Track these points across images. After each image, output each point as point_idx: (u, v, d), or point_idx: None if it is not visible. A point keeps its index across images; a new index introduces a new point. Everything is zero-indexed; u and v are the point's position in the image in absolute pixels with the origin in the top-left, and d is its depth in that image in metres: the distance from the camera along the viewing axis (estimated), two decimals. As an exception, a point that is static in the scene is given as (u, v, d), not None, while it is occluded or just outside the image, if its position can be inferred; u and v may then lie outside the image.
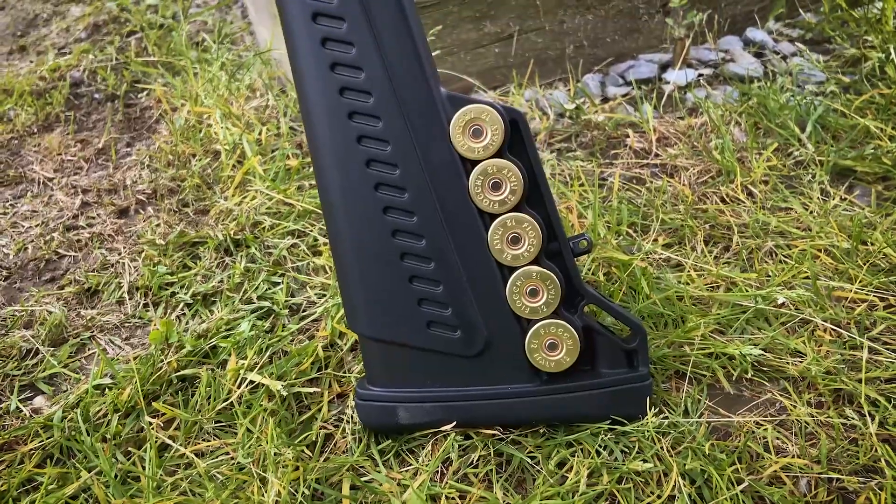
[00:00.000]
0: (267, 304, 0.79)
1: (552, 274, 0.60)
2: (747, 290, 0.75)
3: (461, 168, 0.60)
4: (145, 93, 1.42)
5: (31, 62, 2.00)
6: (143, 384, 0.69)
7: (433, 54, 1.15)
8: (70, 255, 0.97)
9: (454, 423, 0.62)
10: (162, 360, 0.72)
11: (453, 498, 0.58)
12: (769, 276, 0.77)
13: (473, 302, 0.61)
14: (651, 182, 0.94)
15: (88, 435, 0.66)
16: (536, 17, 1.21)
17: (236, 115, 1.14)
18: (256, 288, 0.82)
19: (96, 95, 1.55)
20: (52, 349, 0.79)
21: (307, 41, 0.58)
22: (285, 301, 0.79)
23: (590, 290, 0.63)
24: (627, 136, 1.03)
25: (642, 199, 0.91)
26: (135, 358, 0.74)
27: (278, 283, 0.82)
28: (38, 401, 0.73)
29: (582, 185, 0.93)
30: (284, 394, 0.65)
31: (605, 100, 1.18)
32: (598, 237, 0.82)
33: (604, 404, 0.63)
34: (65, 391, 0.74)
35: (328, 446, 0.64)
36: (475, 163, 0.60)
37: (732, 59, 1.23)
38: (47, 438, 0.67)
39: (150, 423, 0.65)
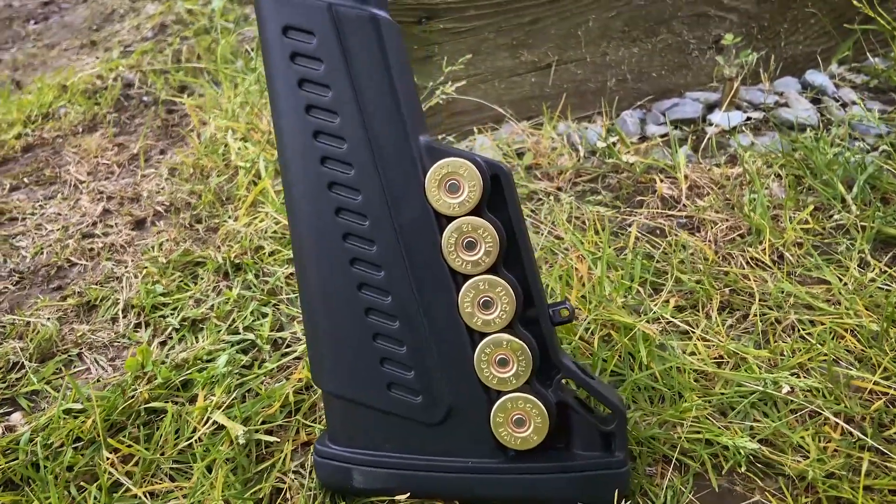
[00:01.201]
0: (251, 336, 0.77)
1: (524, 344, 0.56)
2: (756, 370, 0.68)
3: (435, 223, 0.56)
4: (187, 99, 1.43)
5: (97, 58, 2.06)
6: (110, 413, 0.68)
7: (463, 82, 1.11)
8: (81, 264, 0.97)
9: (408, 493, 0.58)
10: (135, 389, 0.71)
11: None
12: (783, 356, 0.70)
13: (438, 367, 0.57)
14: (673, 235, 0.88)
15: (50, 460, 0.65)
16: (577, 48, 1.16)
17: (262, 131, 1.13)
18: (245, 318, 0.80)
19: (145, 98, 1.57)
20: (37, 364, 0.79)
21: (284, 81, 0.56)
22: (269, 335, 0.77)
23: (568, 362, 0.58)
24: (657, 182, 0.97)
25: (660, 253, 0.85)
26: (103, 387, 0.73)
27: (267, 315, 0.80)
28: (15, 417, 0.73)
29: (598, 233, 0.88)
30: (242, 441, 0.63)
31: (644, 139, 1.12)
32: (604, 294, 0.76)
33: (574, 489, 0.58)
34: (43, 410, 0.73)
35: (280, 502, 0.61)
36: (451, 219, 0.56)
37: (787, 103, 1.15)
38: (10, 462, 0.66)
39: (107, 458, 0.64)
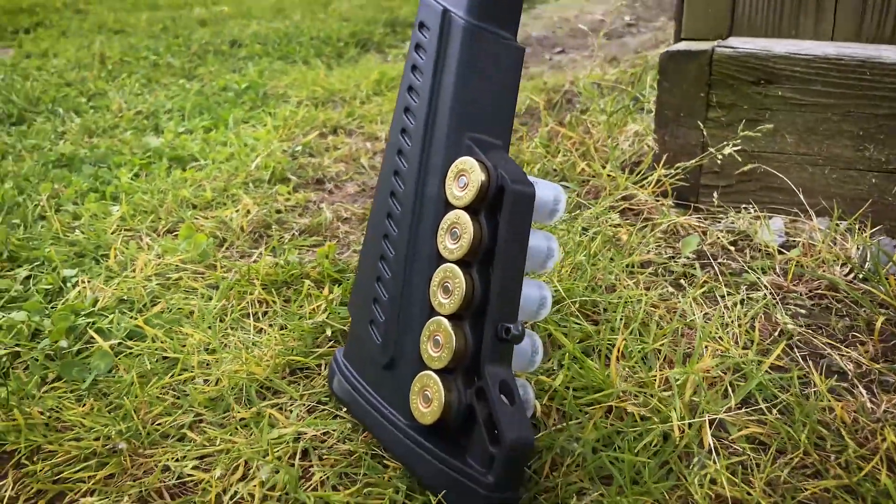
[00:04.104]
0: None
1: (454, 336, 0.60)
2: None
3: (444, 208, 0.64)
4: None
5: (598, 70, 2.31)
6: (287, 274, 0.93)
7: (788, 158, 1.03)
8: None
9: (352, 415, 0.69)
10: (304, 266, 0.94)
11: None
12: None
13: (401, 323, 0.65)
14: (834, 380, 0.71)
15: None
16: (945, 162, 0.95)
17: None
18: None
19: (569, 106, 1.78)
20: (305, 236, 1.09)
21: (407, 65, 0.69)
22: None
23: (491, 376, 0.60)
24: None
25: (811, 391, 0.71)
26: (308, 261, 0.98)
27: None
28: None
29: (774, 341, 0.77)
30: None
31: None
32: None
33: (440, 482, 0.60)
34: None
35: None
36: (455, 208, 0.63)
37: None
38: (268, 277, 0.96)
39: (252, 294, 0.89)
